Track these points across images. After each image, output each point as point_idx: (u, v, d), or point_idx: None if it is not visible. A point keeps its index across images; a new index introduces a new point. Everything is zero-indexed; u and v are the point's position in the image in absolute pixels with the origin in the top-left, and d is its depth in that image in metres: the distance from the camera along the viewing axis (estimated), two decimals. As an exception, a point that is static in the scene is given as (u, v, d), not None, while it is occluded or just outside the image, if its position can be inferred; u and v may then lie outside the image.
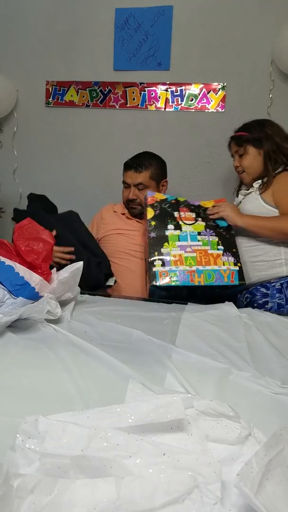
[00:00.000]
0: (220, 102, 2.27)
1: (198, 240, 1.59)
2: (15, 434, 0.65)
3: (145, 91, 2.33)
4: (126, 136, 2.39)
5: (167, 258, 1.54)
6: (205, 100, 2.29)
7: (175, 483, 0.57)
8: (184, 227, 1.61)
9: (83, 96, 2.38)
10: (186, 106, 2.31)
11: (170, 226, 1.62)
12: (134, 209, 1.90)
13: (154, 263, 1.54)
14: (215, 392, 0.86)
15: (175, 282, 1.50)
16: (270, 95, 2.21)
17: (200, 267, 1.53)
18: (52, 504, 0.52)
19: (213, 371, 0.94)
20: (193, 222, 1.64)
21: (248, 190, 1.78)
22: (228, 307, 1.31)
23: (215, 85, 2.26)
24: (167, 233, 1.60)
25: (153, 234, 1.60)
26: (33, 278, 1.18)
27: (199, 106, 2.30)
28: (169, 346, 1.03)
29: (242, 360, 1.00)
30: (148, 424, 0.66)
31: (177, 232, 1.60)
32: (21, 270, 1.19)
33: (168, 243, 1.57)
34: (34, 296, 1.16)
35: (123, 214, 1.94)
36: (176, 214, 1.65)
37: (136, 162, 1.86)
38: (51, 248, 1.29)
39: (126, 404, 0.70)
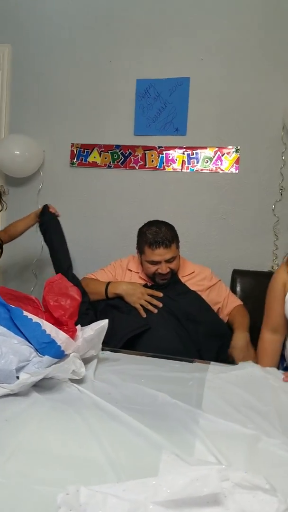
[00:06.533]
0: (234, 164, 2.38)
1: None
2: (50, 504, 0.65)
3: (163, 154, 2.46)
4: (145, 194, 2.50)
5: None
6: (219, 162, 2.40)
7: None
8: None
9: (105, 158, 2.53)
10: (201, 168, 2.42)
11: None
12: (164, 280, 1.81)
13: None
14: (245, 461, 0.84)
15: None
16: (283, 157, 2.31)
17: None
18: None
19: (242, 438, 0.92)
20: None
21: None
22: (252, 368, 1.30)
23: (229, 148, 2.39)
24: None
25: None
26: (60, 336, 1.20)
27: (214, 168, 2.41)
28: (196, 411, 1.01)
29: (271, 425, 0.98)
30: (185, 498, 0.65)
31: None
32: (48, 327, 1.21)
33: None
34: (60, 354, 1.17)
35: (138, 272, 1.91)
36: None
37: (163, 238, 1.78)
38: (77, 305, 1.32)
39: (162, 477, 0.70)
